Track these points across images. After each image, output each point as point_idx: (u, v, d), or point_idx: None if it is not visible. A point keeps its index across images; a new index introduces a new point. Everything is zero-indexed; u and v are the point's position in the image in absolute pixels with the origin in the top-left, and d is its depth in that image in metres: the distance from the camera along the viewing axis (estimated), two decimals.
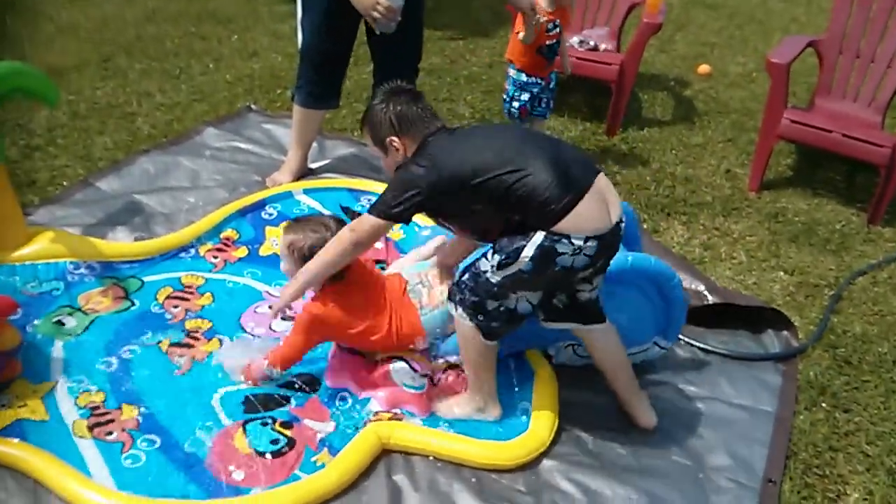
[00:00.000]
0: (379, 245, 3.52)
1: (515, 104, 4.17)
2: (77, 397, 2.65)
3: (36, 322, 2.93)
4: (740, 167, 4.69)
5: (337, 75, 3.98)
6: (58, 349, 2.85)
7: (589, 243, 2.28)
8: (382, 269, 3.36)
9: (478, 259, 2.44)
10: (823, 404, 2.91)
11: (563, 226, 2.25)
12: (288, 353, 2.69)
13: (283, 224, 2.84)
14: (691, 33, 7.24)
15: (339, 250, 2.48)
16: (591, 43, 5.15)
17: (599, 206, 2.32)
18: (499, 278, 2.35)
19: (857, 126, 4.33)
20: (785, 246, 3.91)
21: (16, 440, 2.44)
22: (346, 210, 3.78)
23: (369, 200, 3.81)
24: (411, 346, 2.74)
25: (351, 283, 2.67)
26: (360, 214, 3.67)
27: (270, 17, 6.53)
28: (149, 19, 6.28)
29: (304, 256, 2.59)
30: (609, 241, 2.35)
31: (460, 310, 2.46)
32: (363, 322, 2.65)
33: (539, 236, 2.26)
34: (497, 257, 2.34)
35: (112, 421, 2.56)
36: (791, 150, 4.89)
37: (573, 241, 2.26)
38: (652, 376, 2.94)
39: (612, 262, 2.50)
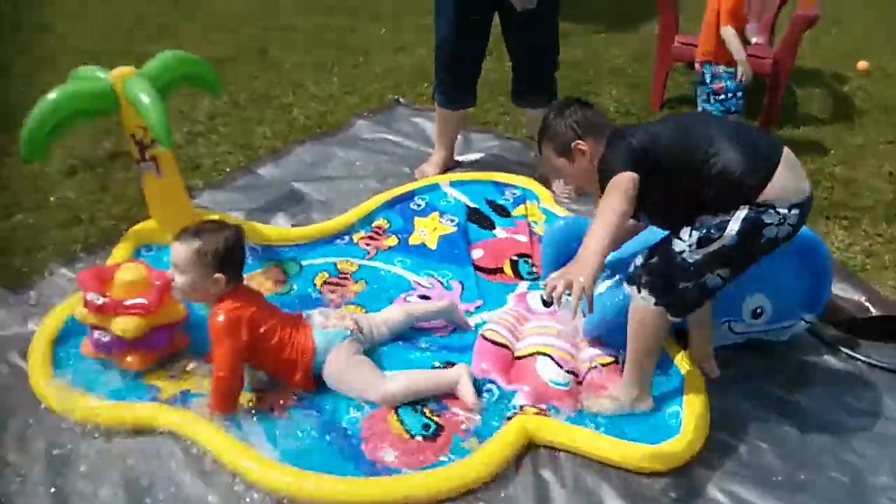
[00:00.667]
0: (523, 238, 3.55)
1: (736, 99, 4.30)
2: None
3: None
4: None
5: (470, 76, 4.03)
6: None
7: (793, 211, 2.32)
8: (526, 265, 3.39)
9: (668, 241, 2.43)
10: None
11: (766, 195, 2.29)
12: (221, 375, 2.55)
13: (173, 242, 2.67)
14: (846, 28, 6.87)
15: (623, 198, 2.22)
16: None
17: (794, 174, 2.37)
18: (698, 257, 2.36)
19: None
20: None
21: (183, 409, 2.60)
22: (490, 203, 3.82)
23: (514, 194, 3.86)
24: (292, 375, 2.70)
25: (243, 292, 2.70)
26: (504, 208, 3.75)
27: (418, 11, 6.64)
28: (303, 11, 6.52)
29: (221, 256, 2.60)
30: (807, 210, 2.39)
31: (644, 292, 2.45)
32: (272, 319, 2.66)
33: (744, 209, 2.30)
34: (696, 234, 2.35)
35: (273, 396, 2.69)
36: None
37: (778, 210, 2.30)
38: (811, 389, 2.84)
39: None
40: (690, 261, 2.37)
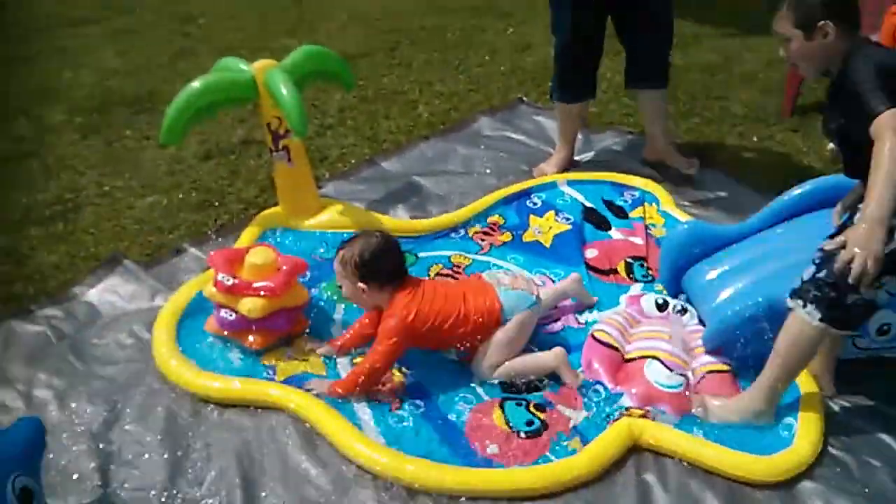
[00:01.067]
0: (639, 241, 3.52)
1: None
2: (353, 358, 2.91)
3: (322, 285, 3.26)
4: None
5: (590, 69, 4.05)
6: (339, 312, 3.15)
7: None
8: (641, 268, 3.36)
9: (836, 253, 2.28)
10: None
11: None
12: (377, 367, 2.69)
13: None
14: None
15: None
16: None
17: None
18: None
19: None
20: None
21: (300, 390, 2.73)
22: (608, 204, 3.80)
23: (633, 195, 3.83)
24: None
25: (410, 283, 2.80)
26: (622, 209, 3.73)
27: (546, 10, 6.63)
28: (432, 9, 6.66)
29: (357, 265, 2.73)
30: None
31: (811, 307, 2.34)
32: (443, 302, 2.74)
33: None
34: None
35: (383, 383, 2.79)
36: None
37: None
38: None
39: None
40: None
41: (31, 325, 3.02)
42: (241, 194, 3.91)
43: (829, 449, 2.52)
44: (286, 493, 2.40)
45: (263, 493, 2.40)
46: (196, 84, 3.31)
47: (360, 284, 2.76)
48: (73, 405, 2.69)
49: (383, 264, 2.79)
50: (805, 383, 2.66)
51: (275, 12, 6.55)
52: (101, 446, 2.53)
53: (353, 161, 4.26)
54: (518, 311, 2.79)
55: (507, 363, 2.76)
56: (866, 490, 2.40)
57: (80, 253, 3.45)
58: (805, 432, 2.50)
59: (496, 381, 2.77)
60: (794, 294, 2.40)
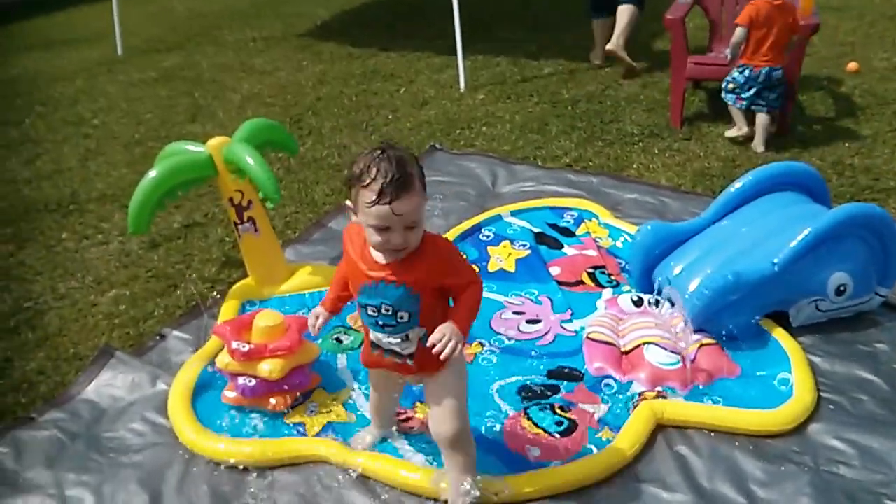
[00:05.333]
0: (593, 252, 3.82)
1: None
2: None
3: (319, 341, 3.34)
4: None
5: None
6: (342, 362, 3.25)
7: None
8: (602, 275, 3.65)
9: None
10: None
11: None
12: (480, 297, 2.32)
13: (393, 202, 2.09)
14: (827, 35, 7.30)
15: None
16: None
17: None
18: None
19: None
20: None
21: (336, 438, 2.81)
22: (553, 226, 4.10)
23: (573, 215, 4.17)
24: None
25: None
26: (567, 229, 4.04)
27: (430, 69, 7.02)
28: (321, 82, 6.88)
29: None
30: None
31: None
32: None
33: None
34: None
35: (410, 418, 2.90)
36: None
37: None
38: (886, 336, 3.17)
39: (842, 211, 2.99)
40: None
41: (39, 432, 2.92)
42: (201, 274, 3.93)
43: (822, 394, 2.87)
44: None
45: None
46: (155, 172, 3.37)
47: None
48: (113, 496, 2.64)
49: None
50: (787, 341, 3.03)
51: (168, 103, 6.56)
52: None
53: (300, 227, 4.36)
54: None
55: None
56: (862, 420, 2.77)
57: (60, 355, 3.36)
58: (802, 383, 2.86)
59: (515, 393, 2.95)
60: None
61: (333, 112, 6.10)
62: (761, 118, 4.97)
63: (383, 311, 2.29)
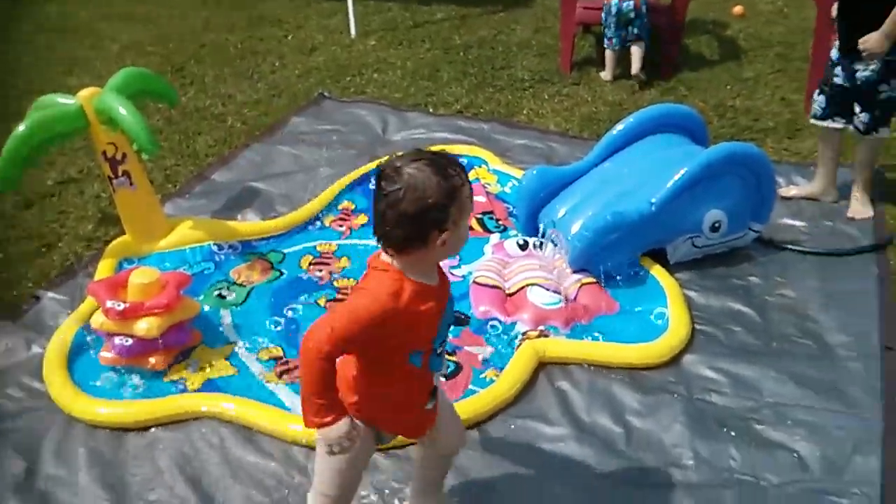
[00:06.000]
0: (482, 199, 3.82)
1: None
2: (258, 353, 2.97)
3: (201, 297, 3.25)
4: (794, 94, 4.94)
5: None
6: (226, 317, 3.17)
7: None
8: (490, 220, 3.67)
9: None
10: None
11: None
12: None
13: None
14: None
15: None
16: None
17: None
18: None
19: None
20: None
21: (219, 393, 2.75)
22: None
23: (463, 163, 4.13)
24: None
25: None
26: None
27: (319, 14, 6.84)
28: (205, 29, 6.61)
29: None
30: None
31: None
32: None
33: None
34: None
35: (297, 367, 2.87)
36: None
37: None
38: (757, 270, 3.32)
39: (718, 151, 3.11)
40: None
41: None
42: (77, 232, 3.75)
43: (697, 326, 2.98)
44: (241, 487, 2.44)
45: (218, 495, 2.42)
46: (23, 126, 3.17)
47: None
48: None
49: None
50: (664, 278, 3.12)
51: (42, 55, 6.18)
52: (31, 496, 2.42)
53: (181, 180, 4.21)
54: None
55: None
56: (734, 350, 2.89)
57: None
58: (676, 317, 2.96)
59: None
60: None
61: (217, 60, 5.87)
62: (633, 49, 5.14)
63: (448, 334, 1.92)
